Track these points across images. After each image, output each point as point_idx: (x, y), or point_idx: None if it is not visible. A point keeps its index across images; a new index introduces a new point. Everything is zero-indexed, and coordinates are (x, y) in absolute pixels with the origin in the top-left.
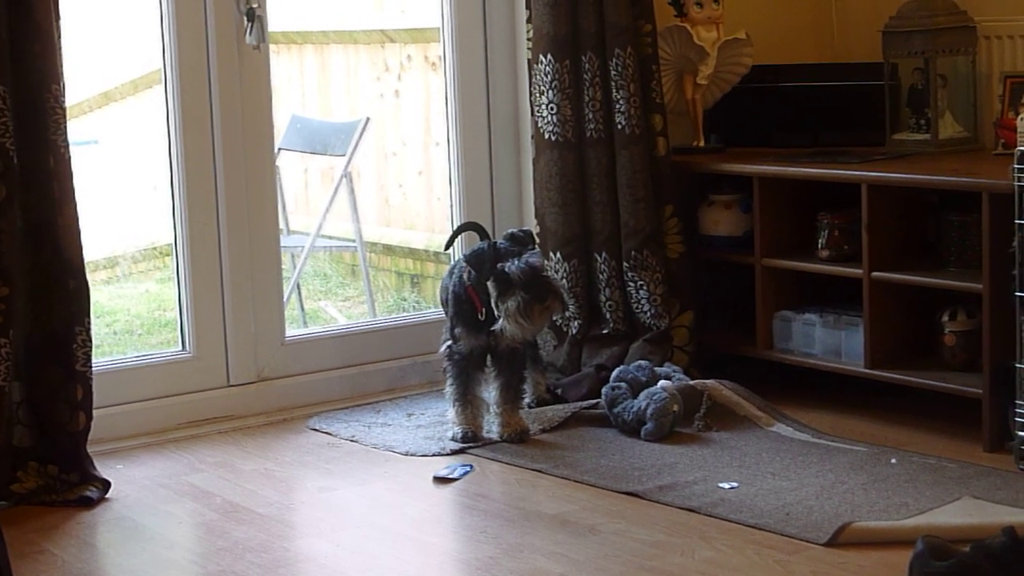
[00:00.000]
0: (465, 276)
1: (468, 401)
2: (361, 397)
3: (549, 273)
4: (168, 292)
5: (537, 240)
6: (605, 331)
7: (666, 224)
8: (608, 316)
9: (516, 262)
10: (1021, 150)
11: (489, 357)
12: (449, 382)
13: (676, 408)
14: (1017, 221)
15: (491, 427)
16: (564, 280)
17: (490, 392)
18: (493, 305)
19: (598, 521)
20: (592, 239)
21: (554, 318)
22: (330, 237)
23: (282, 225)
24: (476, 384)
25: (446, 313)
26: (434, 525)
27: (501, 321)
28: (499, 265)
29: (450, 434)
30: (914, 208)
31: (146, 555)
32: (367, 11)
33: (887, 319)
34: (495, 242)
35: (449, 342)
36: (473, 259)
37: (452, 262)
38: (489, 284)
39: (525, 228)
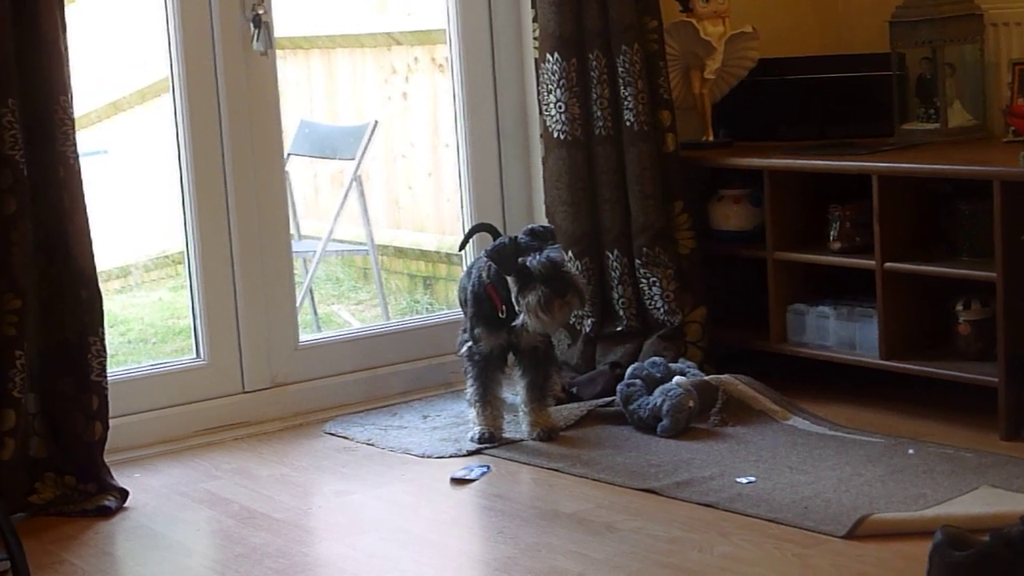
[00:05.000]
0: (484, 274)
1: (488, 402)
2: (376, 400)
3: (569, 268)
4: (181, 300)
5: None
6: (618, 328)
7: (676, 220)
8: (621, 313)
9: (537, 256)
10: None
11: (511, 356)
12: (469, 383)
13: (691, 404)
14: None
15: (520, 426)
16: None
17: (515, 392)
18: (513, 300)
19: (616, 519)
20: (603, 237)
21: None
22: (341, 241)
23: (293, 230)
24: (496, 384)
25: (465, 313)
26: (452, 526)
27: (521, 316)
28: (520, 259)
29: (469, 435)
30: (925, 198)
31: (165, 563)
32: (372, 14)
33: (901, 310)
34: (516, 237)
35: (468, 342)
36: (494, 254)
37: (468, 263)
38: (510, 279)
39: (546, 224)
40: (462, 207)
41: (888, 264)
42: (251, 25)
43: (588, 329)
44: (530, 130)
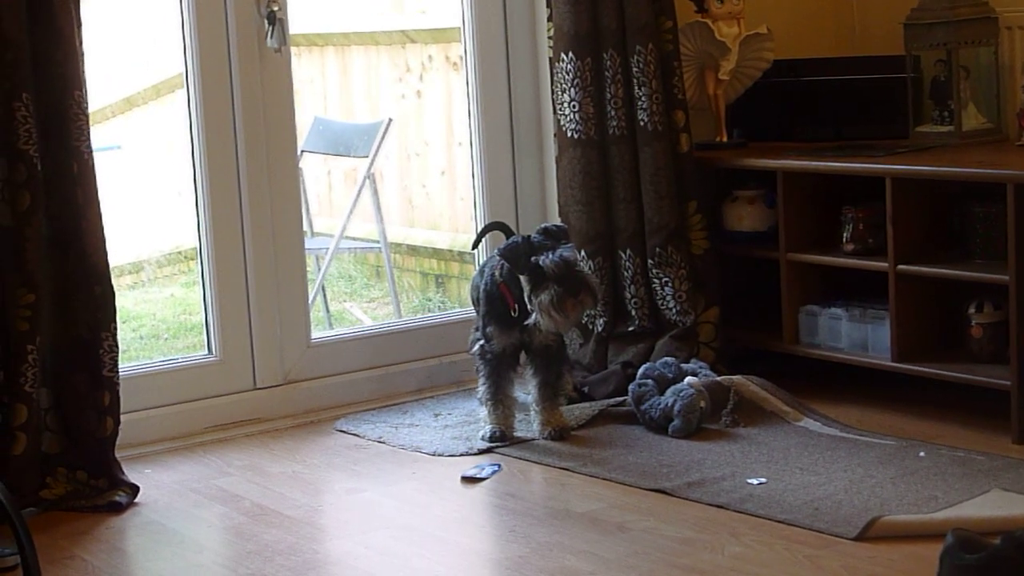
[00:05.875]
0: (497, 273)
1: (500, 401)
2: (388, 398)
3: (582, 267)
4: (193, 296)
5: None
6: (631, 328)
7: (690, 220)
8: (634, 313)
9: (550, 255)
10: None
11: (523, 355)
12: (481, 381)
13: (703, 404)
14: None
15: (531, 425)
16: None
17: (527, 391)
18: (526, 298)
19: (627, 519)
20: (616, 236)
21: (587, 313)
22: (354, 239)
23: (306, 227)
24: (508, 383)
25: (477, 312)
26: (463, 525)
27: (534, 315)
28: (533, 258)
29: (481, 433)
30: (939, 200)
31: (176, 559)
32: (388, 12)
33: (913, 312)
34: (529, 236)
35: (481, 341)
36: (507, 252)
37: (481, 261)
38: (522, 277)
39: (559, 223)
40: (475, 206)
41: (901, 266)
42: (266, 22)
43: (600, 329)
44: (544, 129)
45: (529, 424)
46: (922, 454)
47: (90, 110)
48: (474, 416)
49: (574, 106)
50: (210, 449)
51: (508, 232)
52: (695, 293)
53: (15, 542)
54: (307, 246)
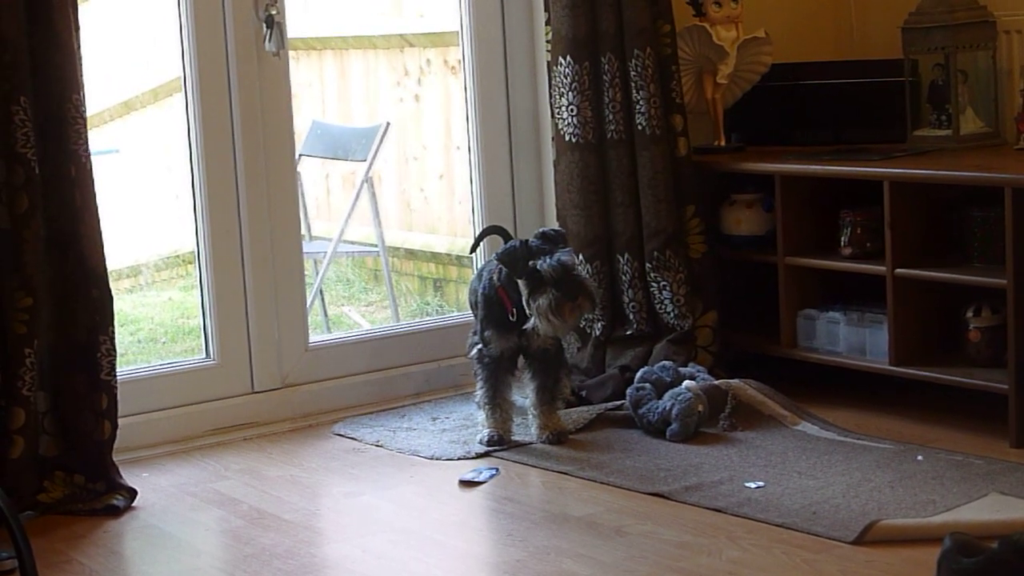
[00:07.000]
0: (495, 277)
1: (497, 404)
2: (386, 402)
3: (580, 272)
4: (191, 300)
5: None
6: (629, 332)
7: (688, 224)
8: (631, 317)
9: (548, 259)
10: None
11: (521, 359)
12: (479, 385)
13: (701, 408)
14: None
15: (529, 429)
16: None
17: (525, 394)
18: (524, 303)
19: (625, 523)
20: (614, 240)
21: (585, 317)
22: (352, 242)
23: (304, 231)
24: (506, 387)
25: (475, 316)
26: (460, 529)
27: (532, 319)
28: (531, 262)
29: (478, 437)
30: (936, 204)
31: (173, 563)
32: (386, 16)
33: (911, 316)
34: (527, 240)
35: (479, 345)
36: (505, 256)
37: (479, 265)
38: (520, 281)
39: (557, 227)
40: (473, 209)
41: (899, 270)
42: (264, 25)
43: (598, 332)
44: (542, 133)
45: (527, 428)
46: (920, 458)
47: (88, 113)
48: (472, 420)
49: (572, 110)
50: (208, 453)
51: (506, 236)
52: (693, 297)
53: (12, 546)
54: (305, 250)
